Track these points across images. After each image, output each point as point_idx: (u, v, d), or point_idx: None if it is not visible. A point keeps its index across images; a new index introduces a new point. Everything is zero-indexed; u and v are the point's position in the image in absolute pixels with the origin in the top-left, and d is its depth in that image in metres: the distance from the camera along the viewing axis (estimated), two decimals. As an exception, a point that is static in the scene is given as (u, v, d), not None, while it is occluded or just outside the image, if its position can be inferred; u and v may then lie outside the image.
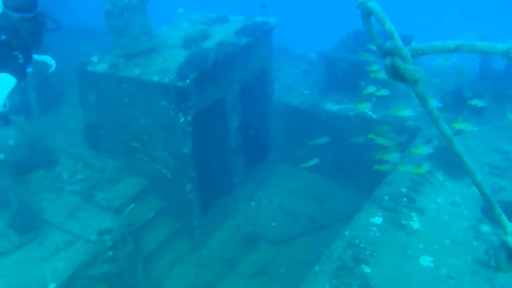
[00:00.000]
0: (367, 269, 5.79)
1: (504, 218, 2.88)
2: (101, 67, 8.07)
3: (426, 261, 5.97)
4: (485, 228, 6.45)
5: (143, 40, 8.10)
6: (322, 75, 11.05)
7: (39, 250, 6.99)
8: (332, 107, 10.10)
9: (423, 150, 7.73)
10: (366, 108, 8.98)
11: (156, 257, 8.21)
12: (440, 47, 2.80)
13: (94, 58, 8.29)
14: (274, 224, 9.45)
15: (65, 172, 8.34)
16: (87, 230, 7.22)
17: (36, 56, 5.09)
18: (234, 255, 8.68)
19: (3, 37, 4.35)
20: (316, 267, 5.78)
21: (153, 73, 7.64)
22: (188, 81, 7.30)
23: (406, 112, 8.22)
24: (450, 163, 7.67)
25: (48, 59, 5.42)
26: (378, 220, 6.63)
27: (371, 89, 8.40)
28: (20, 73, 4.46)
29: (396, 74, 2.73)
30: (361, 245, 6.12)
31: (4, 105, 4.43)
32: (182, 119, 7.61)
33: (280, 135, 10.73)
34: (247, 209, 9.78)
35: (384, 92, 8.39)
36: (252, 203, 9.97)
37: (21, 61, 4.44)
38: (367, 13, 2.81)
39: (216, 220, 9.13)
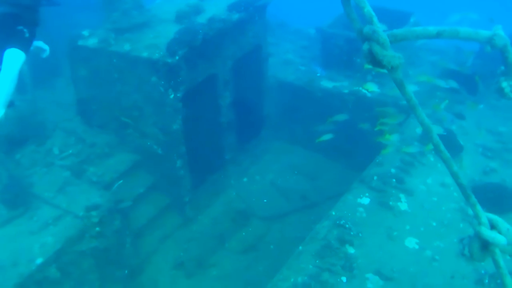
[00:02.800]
0: (351, 250, 5.80)
1: (478, 208, 2.87)
2: (92, 42, 7.93)
3: (411, 242, 5.97)
4: (473, 210, 6.42)
5: (134, 14, 7.94)
6: (319, 51, 10.89)
7: (28, 225, 7.02)
8: (327, 84, 9.98)
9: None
10: (371, 88, 8.81)
11: (146, 232, 8.24)
12: (421, 32, 2.73)
13: (85, 32, 8.14)
14: (265, 200, 9.44)
15: (56, 147, 8.31)
16: (75, 206, 7.23)
17: None
18: (225, 231, 8.70)
19: (10, 10, 4.23)
20: (300, 247, 5.79)
21: (143, 49, 7.51)
22: (177, 57, 7.19)
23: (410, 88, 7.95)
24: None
25: (41, 44, 5.29)
26: (365, 200, 6.61)
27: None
28: (27, 48, 4.34)
29: (374, 60, 2.68)
30: (347, 225, 6.11)
31: None
32: (172, 96, 7.54)
33: (274, 111, 10.64)
34: (239, 185, 9.75)
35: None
36: (245, 179, 9.95)
37: (27, 35, 4.32)
38: (346, -4, 2.76)
39: (207, 196, 9.14)
